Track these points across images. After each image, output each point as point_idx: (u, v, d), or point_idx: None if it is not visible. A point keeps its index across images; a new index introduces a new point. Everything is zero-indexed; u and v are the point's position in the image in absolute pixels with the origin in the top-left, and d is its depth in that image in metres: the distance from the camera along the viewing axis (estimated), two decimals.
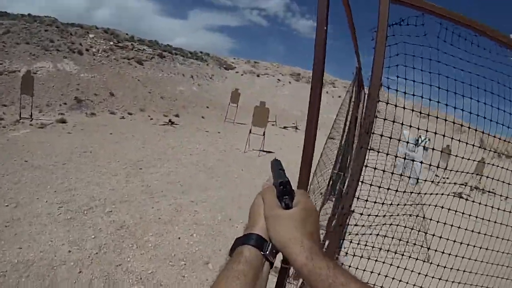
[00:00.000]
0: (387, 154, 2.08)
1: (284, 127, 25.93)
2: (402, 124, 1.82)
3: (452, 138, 2.00)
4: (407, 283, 2.40)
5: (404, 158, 5.55)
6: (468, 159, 2.25)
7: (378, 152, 2.00)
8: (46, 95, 17.22)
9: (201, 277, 4.72)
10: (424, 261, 2.58)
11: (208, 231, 6.05)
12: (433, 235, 2.35)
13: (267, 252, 0.75)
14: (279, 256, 0.78)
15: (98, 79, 21.90)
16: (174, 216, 6.38)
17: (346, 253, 2.60)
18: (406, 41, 1.57)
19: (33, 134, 11.12)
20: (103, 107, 18.84)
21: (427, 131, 2.04)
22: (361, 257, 2.41)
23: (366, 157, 1.51)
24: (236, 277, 0.67)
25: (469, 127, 2.16)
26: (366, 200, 2.01)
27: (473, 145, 2.19)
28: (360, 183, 1.55)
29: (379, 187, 2.00)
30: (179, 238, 5.61)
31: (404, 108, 1.77)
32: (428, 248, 2.50)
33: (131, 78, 24.83)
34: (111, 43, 27.95)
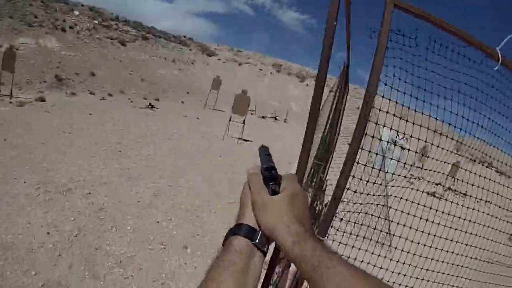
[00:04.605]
0: (369, 152, 2.16)
1: (263, 117, 26.13)
2: (384, 125, 1.91)
3: (426, 141, 2.11)
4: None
5: (383, 156, 5.69)
6: (444, 162, 2.37)
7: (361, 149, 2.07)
8: (26, 72, 16.67)
9: (179, 260, 4.78)
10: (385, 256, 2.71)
11: (187, 216, 6.12)
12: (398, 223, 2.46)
13: (257, 241, 0.74)
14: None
15: (79, 58, 21.38)
16: (152, 200, 6.40)
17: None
18: (401, 48, 1.65)
19: (12, 112, 10.79)
20: (83, 87, 18.40)
21: (404, 133, 2.11)
22: (333, 240, 2.49)
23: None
24: (225, 267, 0.68)
25: (446, 135, 2.27)
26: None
27: (448, 150, 2.29)
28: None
29: (360, 179, 2.09)
30: (158, 222, 5.65)
31: (387, 113, 1.85)
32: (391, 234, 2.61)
33: (113, 59, 24.37)
34: (96, 21, 27.43)
